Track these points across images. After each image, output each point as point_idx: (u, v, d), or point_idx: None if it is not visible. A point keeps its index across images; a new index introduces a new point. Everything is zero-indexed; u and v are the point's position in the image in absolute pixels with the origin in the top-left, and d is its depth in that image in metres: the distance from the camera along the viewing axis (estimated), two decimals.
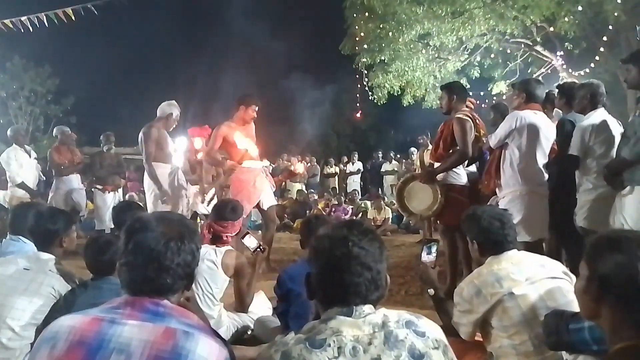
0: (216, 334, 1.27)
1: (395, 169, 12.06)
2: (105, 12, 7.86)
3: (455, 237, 4.10)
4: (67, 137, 7.04)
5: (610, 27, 9.84)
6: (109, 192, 7.05)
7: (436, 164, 4.22)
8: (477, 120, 4.12)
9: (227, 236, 3.15)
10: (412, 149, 10.90)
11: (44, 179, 7.95)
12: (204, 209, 5.76)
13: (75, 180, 6.91)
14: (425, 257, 2.61)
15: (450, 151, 4.10)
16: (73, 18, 7.87)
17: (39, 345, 1.19)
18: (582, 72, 10.39)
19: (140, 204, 4.95)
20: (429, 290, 2.54)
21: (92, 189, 7.29)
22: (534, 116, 3.60)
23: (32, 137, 16.92)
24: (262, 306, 3.37)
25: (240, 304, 3.19)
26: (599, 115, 3.57)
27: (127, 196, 8.55)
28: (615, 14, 9.36)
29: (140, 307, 1.22)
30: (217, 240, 3.13)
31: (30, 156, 6.76)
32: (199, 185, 6.35)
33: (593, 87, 3.67)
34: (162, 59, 24.95)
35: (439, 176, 4.11)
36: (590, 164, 3.53)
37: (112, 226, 5.65)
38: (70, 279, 2.52)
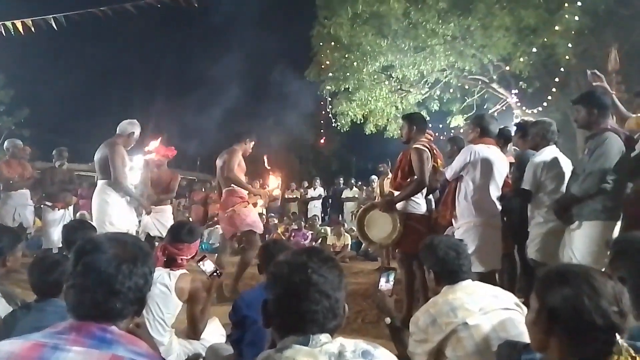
0: None
1: (356, 195, 12.16)
2: (66, 26, 7.68)
3: (413, 266, 4.14)
4: (20, 151, 6.75)
5: (562, 69, 10.46)
6: (58, 210, 6.77)
7: (396, 193, 4.29)
8: (434, 151, 4.21)
9: (182, 259, 3.05)
10: (373, 177, 11.05)
11: None
12: (158, 231, 5.59)
13: (24, 196, 6.60)
14: (382, 285, 2.61)
15: (409, 180, 4.17)
16: (32, 30, 7.65)
17: None
18: (535, 110, 10.94)
19: (92, 223, 4.77)
20: (385, 318, 2.54)
21: (42, 206, 6.98)
22: (487, 150, 3.73)
23: None
24: (215, 333, 3.26)
25: (193, 330, 3.08)
26: (550, 152, 3.74)
27: (78, 214, 8.22)
28: (567, 57, 9.98)
29: (86, 333, 1.16)
30: (171, 263, 3.03)
31: None
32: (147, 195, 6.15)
33: (545, 124, 3.86)
34: (120, 76, 24.59)
35: (399, 205, 4.16)
36: (541, 198, 3.68)
37: (60, 245, 5.41)
38: (11, 300, 2.39)
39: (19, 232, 6.50)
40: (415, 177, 4.05)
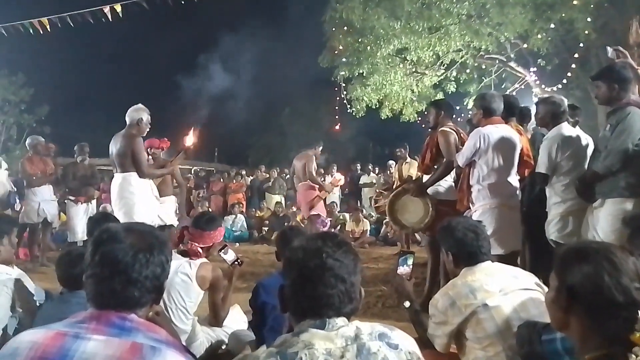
0: (185, 350, 1.24)
1: (374, 181, 12.11)
2: (80, 23, 7.78)
3: (440, 251, 4.15)
4: (43, 148, 6.89)
5: (581, 44, 10.18)
6: (82, 204, 6.90)
7: (425, 177, 4.31)
8: (461, 134, 4.24)
9: (192, 245, 3.07)
10: (390, 162, 10.97)
11: (15, 189, 7.75)
12: (160, 219, 5.58)
13: (47, 191, 6.74)
14: (401, 269, 2.60)
15: (435, 164, 4.22)
16: (48, 29, 7.77)
17: None
18: (554, 88, 10.68)
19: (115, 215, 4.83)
20: (404, 302, 2.53)
21: (65, 200, 7.12)
22: (496, 130, 3.63)
23: (4, 147, 16.54)
24: (237, 320, 3.31)
25: (215, 317, 3.12)
26: (562, 130, 3.63)
27: (100, 207, 8.35)
28: (586, 32, 9.70)
29: (106, 322, 1.18)
30: (188, 252, 3.07)
31: (0, 166, 6.58)
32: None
33: (554, 104, 3.71)
34: (138, 70, 24.81)
35: (431, 191, 4.17)
36: (558, 178, 3.59)
37: (85, 238, 5.50)
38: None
39: (45, 226, 6.70)
40: (444, 159, 4.06)
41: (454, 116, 4.35)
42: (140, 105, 5.02)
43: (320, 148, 7.52)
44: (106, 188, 9.93)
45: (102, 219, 3.36)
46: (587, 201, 3.37)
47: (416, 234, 6.72)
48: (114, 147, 4.90)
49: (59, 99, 18.53)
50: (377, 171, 12.76)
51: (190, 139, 5.43)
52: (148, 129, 5.04)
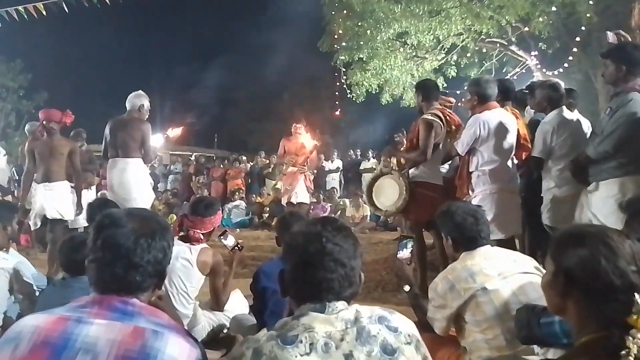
0: (188, 334, 1.25)
1: (374, 167, 12.09)
2: (78, 9, 7.70)
3: (422, 234, 4.16)
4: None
5: (583, 27, 10.10)
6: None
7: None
8: (448, 117, 4.13)
9: (194, 232, 3.09)
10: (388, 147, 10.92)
11: (16, 177, 7.76)
12: (56, 212, 5.35)
13: None
14: (400, 254, 2.62)
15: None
16: (44, 13, 7.69)
17: (1, 346, 1.15)
18: (555, 72, 10.62)
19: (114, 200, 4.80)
20: (404, 286, 2.55)
21: None
22: (494, 116, 3.61)
23: (3, 134, 16.53)
24: (238, 304, 3.35)
25: (216, 302, 3.16)
26: (558, 114, 3.61)
27: (99, 194, 8.36)
28: (588, 15, 9.63)
29: (108, 306, 1.19)
30: (187, 236, 3.08)
31: None
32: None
33: (550, 90, 3.69)
34: (136, 55, 24.67)
35: (411, 174, 4.14)
36: (552, 163, 3.59)
37: (86, 224, 5.48)
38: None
39: (15, 205, 6.66)
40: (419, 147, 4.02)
41: (437, 99, 4.25)
42: (140, 91, 4.98)
43: (299, 126, 7.66)
44: (105, 174, 9.95)
45: (102, 204, 3.37)
46: (582, 183, 3.36)
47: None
48: (117, 131, 4.82)
49: (57, 85, 18.51)
50: (377, 155, 12.73)
51: (174, 132, 5.46)
52: (147, 116, 5.01)
